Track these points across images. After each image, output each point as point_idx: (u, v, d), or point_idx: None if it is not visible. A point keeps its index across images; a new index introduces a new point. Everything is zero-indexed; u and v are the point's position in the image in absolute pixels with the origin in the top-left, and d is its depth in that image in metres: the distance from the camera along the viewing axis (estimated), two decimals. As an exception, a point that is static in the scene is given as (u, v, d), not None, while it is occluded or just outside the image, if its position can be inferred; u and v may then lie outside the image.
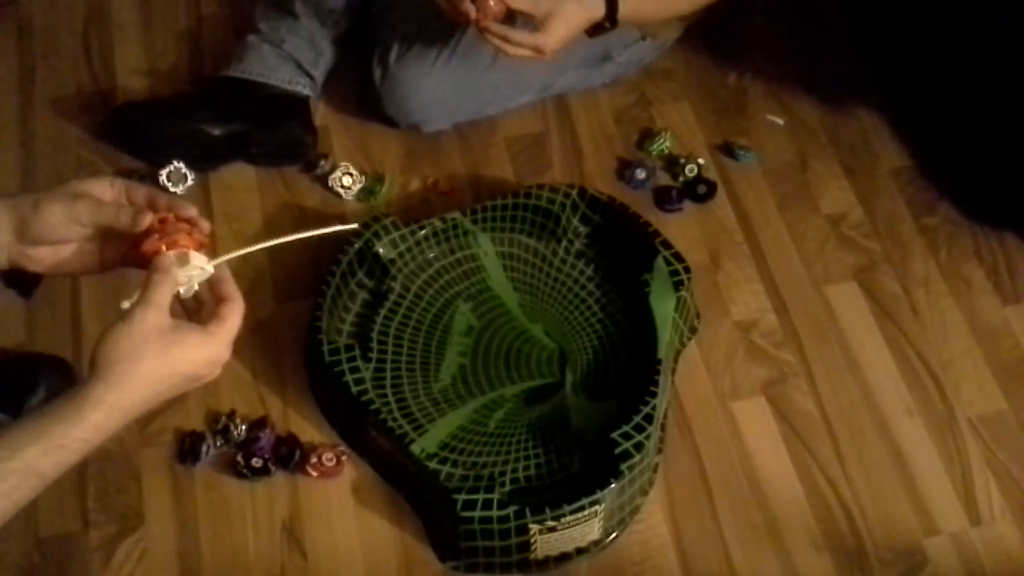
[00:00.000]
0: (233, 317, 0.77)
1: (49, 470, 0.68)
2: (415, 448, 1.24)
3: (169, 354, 0.72)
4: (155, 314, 0.73)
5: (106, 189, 0.82)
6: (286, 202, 1.53)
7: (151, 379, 0.71)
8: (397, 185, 1.55)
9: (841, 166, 1.60)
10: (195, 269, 0.79)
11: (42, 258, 0.82)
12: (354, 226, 0.87)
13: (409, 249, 1.40)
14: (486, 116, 1.61)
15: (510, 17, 1.34)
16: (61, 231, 0.79)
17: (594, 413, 1.31)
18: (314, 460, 1.29)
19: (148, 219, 0.78)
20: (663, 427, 1.33)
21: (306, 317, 1.37)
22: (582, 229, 1.44)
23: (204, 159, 1.52)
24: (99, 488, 1.28)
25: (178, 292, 0.79)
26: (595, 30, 1.38)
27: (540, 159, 1.59)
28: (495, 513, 1.17)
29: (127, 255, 0.82)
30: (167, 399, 0.75)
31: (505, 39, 1.33)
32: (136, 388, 0.71)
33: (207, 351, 0.75)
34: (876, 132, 1.64)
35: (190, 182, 1.51)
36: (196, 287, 0.80)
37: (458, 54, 1.51)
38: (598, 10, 1.35)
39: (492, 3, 1.30)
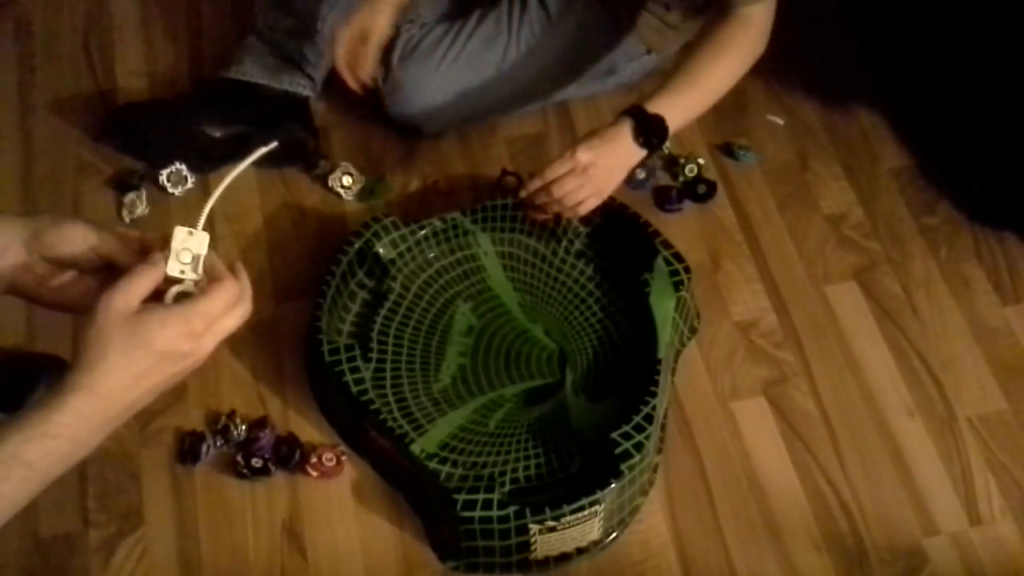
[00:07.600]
0: (214, 294, 0.75)
1: (36, 458, 0.68)
2: (415, 448, 1.24)
3: (136, 333, 0.71)
4: (120, 298, 0.73)
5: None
6: (286, 202, 1.53)
7: (123, 361, 0.71)
8: (397, 185, 1.55)
9: (841, 166, 1.60)
10: (177, 241, 0.76)
11: (43, 276, 0.81)
12: (274, 144, 0.86)
13: (409, 249, 1.40)
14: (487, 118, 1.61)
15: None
16: (64, 246, 0.79)
17: (594, 413, 1.31)
18: (314, 460, 1.29)
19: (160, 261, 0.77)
20: (663, 427, 1.33)
21: (306, 317, 1.37)
22: (582, 229, 1.44)
23: (204, 160, 1.52)
24: (99, 488, 1.28)
25: (176, 278, 0.75)
26: (649, 153, 1.31)
27: (540, 159, 1.59)
28: (495, 513, 1.17)
29: None
30: (156, 386, 0.73)
31: (575, 213, 1.32)
32: (110, 371, 0.70)
33: (175, 326, 0.72)
34: (876, 132, 1.64)
35: (190, 184, 1.51)
36: (200, 268, 0.77)
37: (462, 61, 1.50)
38: (639, 154, 1.30)
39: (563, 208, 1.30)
